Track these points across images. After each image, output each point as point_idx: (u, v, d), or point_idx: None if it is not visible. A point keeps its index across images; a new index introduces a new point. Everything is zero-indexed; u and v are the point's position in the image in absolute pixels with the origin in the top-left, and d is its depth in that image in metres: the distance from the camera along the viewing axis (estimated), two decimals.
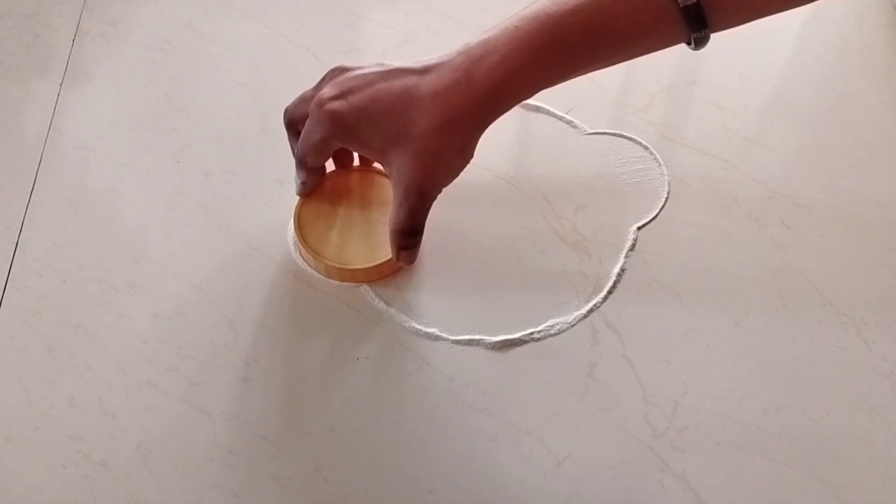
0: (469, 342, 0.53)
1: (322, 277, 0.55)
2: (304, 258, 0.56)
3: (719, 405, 0.51)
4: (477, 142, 0.50)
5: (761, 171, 0.61)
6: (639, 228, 0.58)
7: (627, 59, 0.49)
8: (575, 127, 0.63)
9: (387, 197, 0.57)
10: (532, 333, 0.53)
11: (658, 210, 0.58)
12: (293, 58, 0.67)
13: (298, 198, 0.57)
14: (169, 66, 0.66)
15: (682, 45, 0.48)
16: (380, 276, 0.55)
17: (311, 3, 0.70)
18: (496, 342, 0.53)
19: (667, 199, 0.59)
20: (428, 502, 0.48)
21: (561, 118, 0.63)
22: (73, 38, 0.68)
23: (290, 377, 0.52)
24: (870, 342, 0.53)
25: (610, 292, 0.55)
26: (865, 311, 0.54)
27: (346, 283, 0.55)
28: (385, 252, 0.54)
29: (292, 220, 0.56)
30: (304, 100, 0.54)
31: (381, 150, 0.50)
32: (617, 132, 0.63)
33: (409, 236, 0.52)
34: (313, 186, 0.56)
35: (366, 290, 0.55)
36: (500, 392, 0.51)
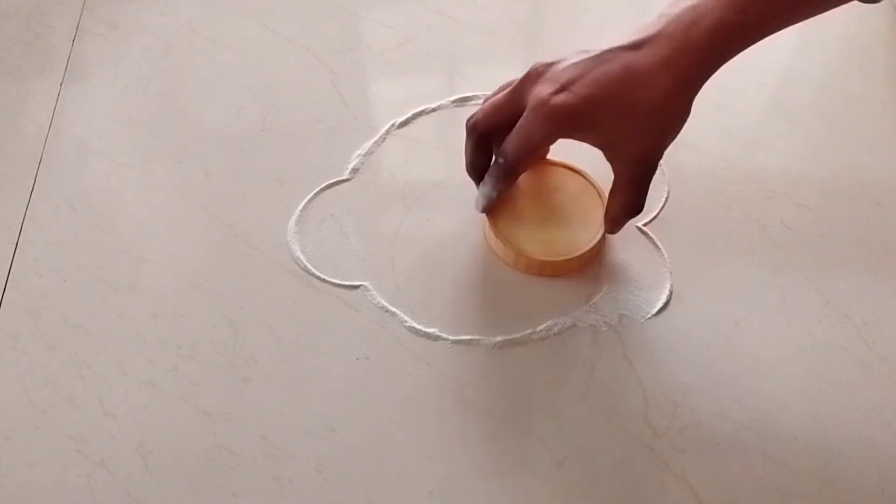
0: (469, 342, 0.53)
1: (320, 279, 0.55)
2: (500, 253, 0.55)
3: (719, 405, 0.51)
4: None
5: (761, 171, 0.61)
6: (639, 228, 0.58)
7: (832, 7, 0.49)
8: None
9: (567, 185, 0.57)
10: (532, 333, 0.53)
11: (658, 210, 0.58)
12: (293, 58, 0.67)
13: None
14: (169, 66, 0.66)
15: None
16: (580, 266, 0.55)
17: (311, 3, 0.70)
18: (496, 342, 0.53)
19: (667, 199, 0.59)
20: (428, 502, 0.48)
21: None
22: (73, 38, 0.68)
23: (290, 377, 0.52)
24: (870, 342, 0.53)
25: (610, 292, 0.55)
26: (865, 311, 0.54)
27: (345, 284, 0.55)
28: (584, 241, 0.54)
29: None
30: (498, 108, 0.51)
31: (608, 132, 0.50)
32: None
33: (638, 211, 0.52)
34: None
35: (366, 290, 0.55)
36: (500, 392, 0.51)
